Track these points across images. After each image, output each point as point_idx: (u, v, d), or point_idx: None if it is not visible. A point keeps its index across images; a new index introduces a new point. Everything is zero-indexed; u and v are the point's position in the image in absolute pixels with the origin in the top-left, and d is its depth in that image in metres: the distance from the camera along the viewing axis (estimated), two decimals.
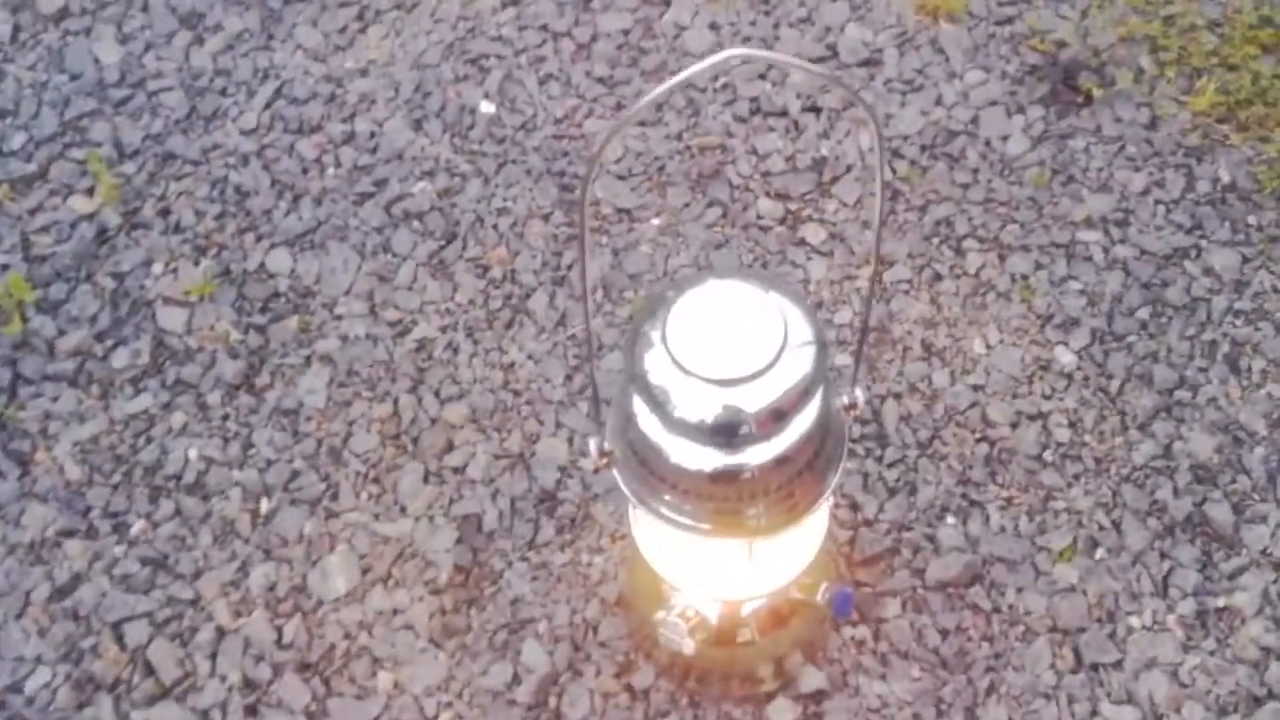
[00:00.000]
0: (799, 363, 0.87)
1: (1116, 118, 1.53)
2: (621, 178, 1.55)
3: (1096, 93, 1.54)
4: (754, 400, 0.86)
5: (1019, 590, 1.24)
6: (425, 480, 1.36)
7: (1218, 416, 1.32)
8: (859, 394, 0.93)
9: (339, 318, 1.48)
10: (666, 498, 0.94)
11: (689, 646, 1.10)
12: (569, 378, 1.42)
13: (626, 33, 1.67)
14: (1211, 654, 1.19)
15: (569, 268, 1.49)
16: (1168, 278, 1.41)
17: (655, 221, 1.51)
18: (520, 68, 1.66)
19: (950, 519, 1.29)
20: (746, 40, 1.64)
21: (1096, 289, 1.41)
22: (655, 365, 0.88)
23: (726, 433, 0.87)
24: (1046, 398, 1.35)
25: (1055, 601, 1.23)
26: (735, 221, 1.50)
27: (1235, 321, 1.38)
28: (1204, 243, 1.43)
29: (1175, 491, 1.28)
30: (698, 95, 1.61)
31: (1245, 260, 1.41)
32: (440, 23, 1.71)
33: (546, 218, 1.53)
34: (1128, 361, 1.36)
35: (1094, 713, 1.18)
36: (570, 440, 1.37)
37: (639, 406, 0.91)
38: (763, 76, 1.60)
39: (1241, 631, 1.20)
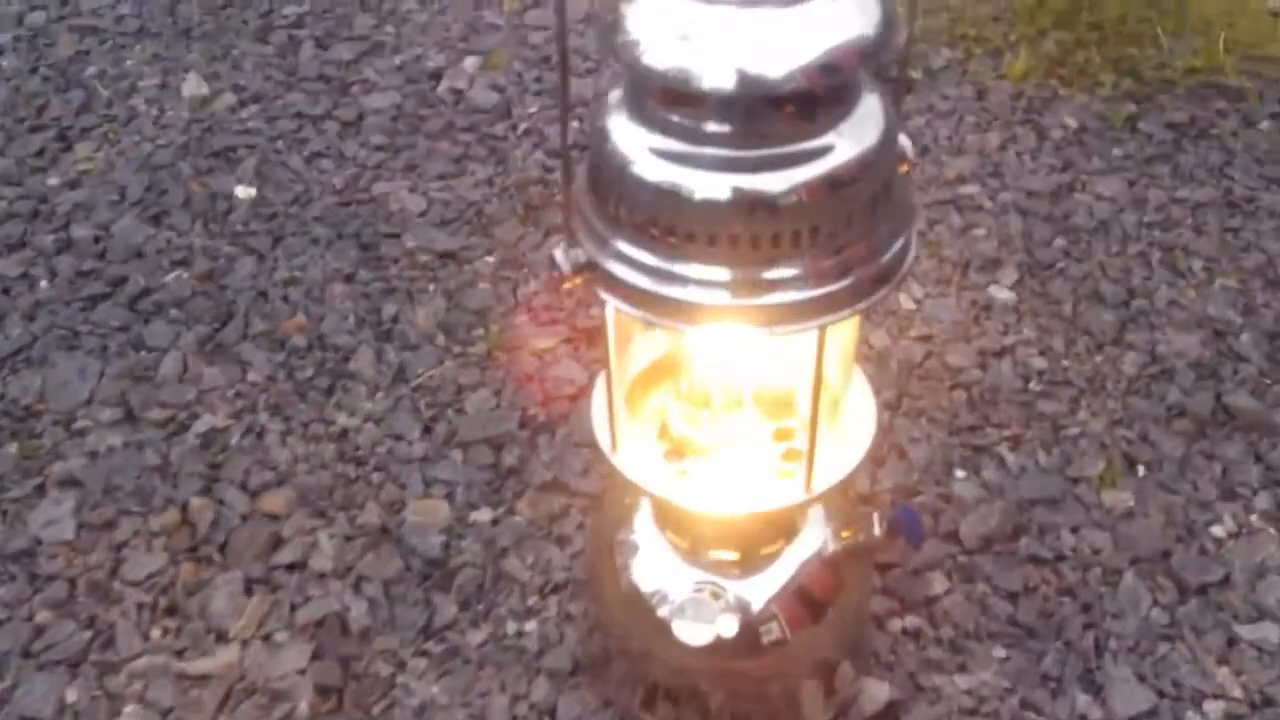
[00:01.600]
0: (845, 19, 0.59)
1: (944, 95, 1.44)
2: (436, 225, 1.27)
3: (916, 77, 1.46)
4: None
5: (1074, 529, 0.97)
6: (247, 591, 0.93)
7: (1186, 316, 1.15)
8: (907, 142, 0.67)
9: (79, 433, 1.05)
10: (669, 275, 0.60)
11: (729, 625, 0.73)
12: (428, 429, 1.06)
13: (398, 106, 1.44)
14: None
15: (393, 320, 1.16)
16: (1067, 209, 1.28)
17: (489, 259, 1.23)
18: (279, 151, 1.38)
19: (960, 472, 1.01)
20: (540, 93, 1.46)
21: (1001, 231, 1.25)
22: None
23: (756, 118, 0.57)
24: (1004, 333, 1.14)
25: (1121, 531, 0.96)
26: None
27: (1153, 233, 1.25)
28: (1085, 176, 1.32)
29: (1185, 391, 1.08)
30: (500, 145, 1.39)
31: (1131, 184, 1.31)
32: (167, 128, 1.41)
33: (350, 278, 1.21)
34: (1069, 286, 1.19)
35: (1231, 641, 0.89)
36: (449, 496, 1.00)
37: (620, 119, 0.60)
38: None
39: None
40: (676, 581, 0.80)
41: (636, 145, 0.59)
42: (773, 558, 0.80)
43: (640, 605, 0.81)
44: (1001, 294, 1.18)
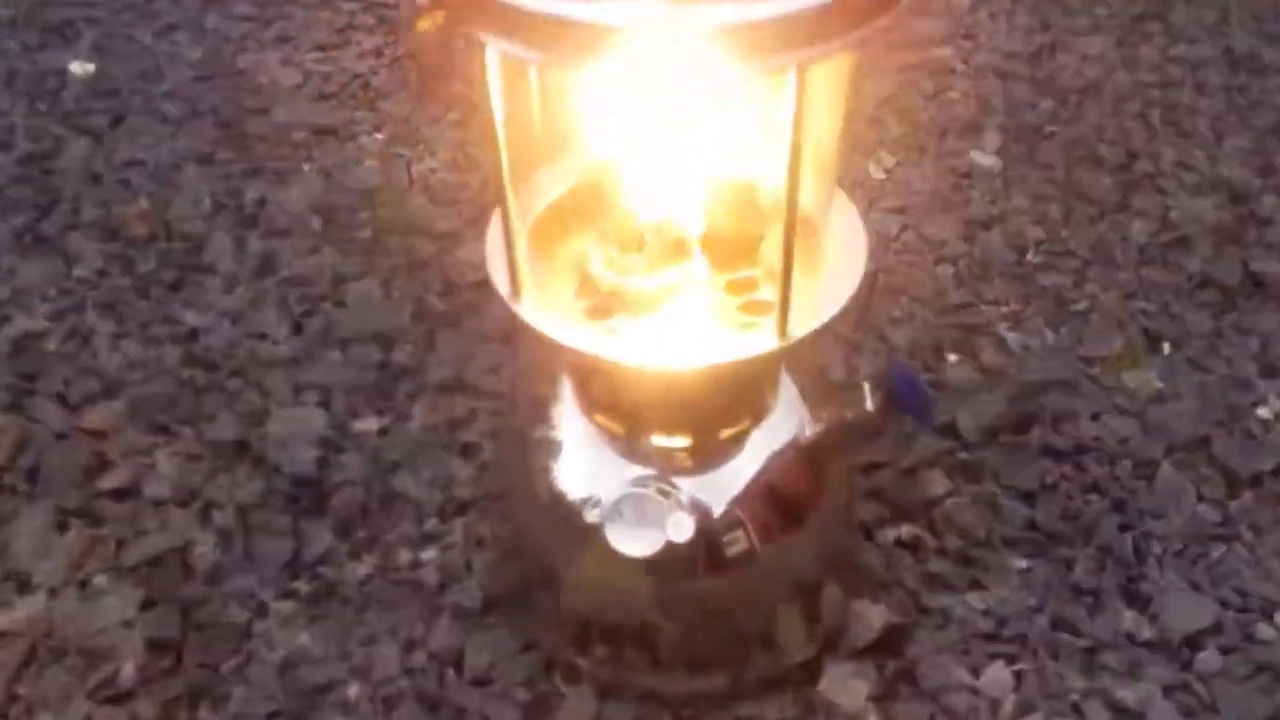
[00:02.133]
0: None
1: None
2: (313, 99, 1.06)
3: None
4: None
5: (1095, 416, 0.80)
6: (60, 526, 0.72)
7: (1197, 179, 0.99)
8: None
9: None
10: None
11: (682, 526, 0.54)
12: (299, 327, 0.85)
13: None
14: None
15: (258, 204, 0.95)
16: (1050, 70, 1.11)
17: (378, 135, 1.02)
18: (125, 25, 1.16)
19: (952, 355, 0.84)
20: None
21: (979, 94, 1.08)
22: None
23: None
24: (991, 202, 0.97)
25: (1151, 416, 0.80)
26: None
27: (1150, 92, 1.09)
28: (1067, 36, 1.15)
29: (1206, 259, 0.91)
30: (391, 14, 1.18)
31: (1120, 43, 1.15)
32: None
33: (207, 158, 1.00)
34: (1060, 150, 1.02)
35: None
36: (325, 403, 0.79)
37: None
38: None
39: None
40: (612, 481, 0.61)
41: None
42: (735, 446, 0.61)
43: (567, 518, 0.62)
44: (985, 160, 1.01)
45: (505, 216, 0.53)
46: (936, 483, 0.75)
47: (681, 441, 0.59)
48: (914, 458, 0.76)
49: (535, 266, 0.59)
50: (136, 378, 0.81)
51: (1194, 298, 0.89)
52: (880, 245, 0.92)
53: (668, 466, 0.59)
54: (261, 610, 0.68)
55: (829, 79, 0.52)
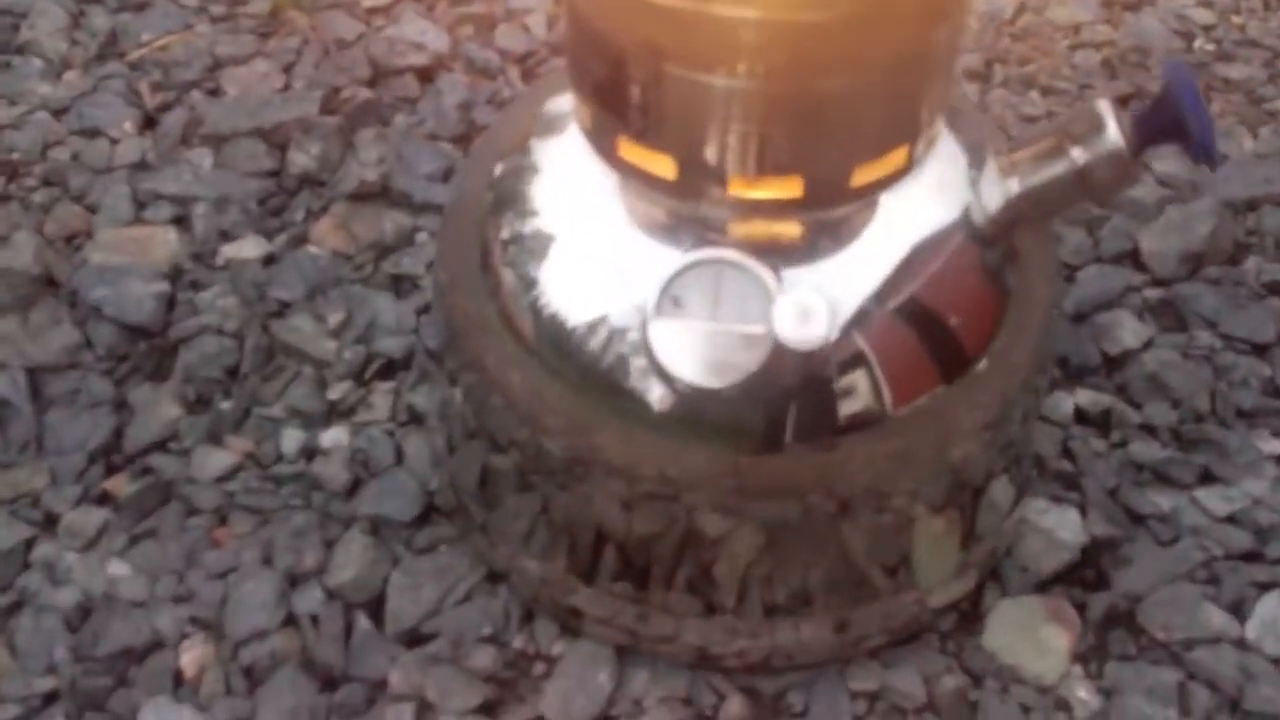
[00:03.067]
0: None
1: None
2: None
3: None
4: None
5: None
6: None
7: None
8: None
9: None
10: None
11: (818, 316, 0.29)
12: (151, 122, 0.57)
13: None
14: None
15: None
16: None
17: None
18: None
19: None
20: None
21: None
22: None
23: None
24: None
25: None
26: None
27: None
28: None
29: None
30: None
31: None
32: None
33: None
34: None
35: None
36: (182, 220, 0.52)
37: None
38: None
39: None
40: (651, 279, 0.34)
41: None
42: (864, 216, 0.35)
43: (569, 356, 0.36)
44: None
45: None
46: (1125, 332, 0.49)
47: (779, 193, 0.33)
48: (1094, 292, 0.50)
49: None
50: None
51: None
52: (991, 27, 0.65)
53: (752, 247, 0.33)
54: (50, 523, 0.42)
55: None
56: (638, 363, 0.34)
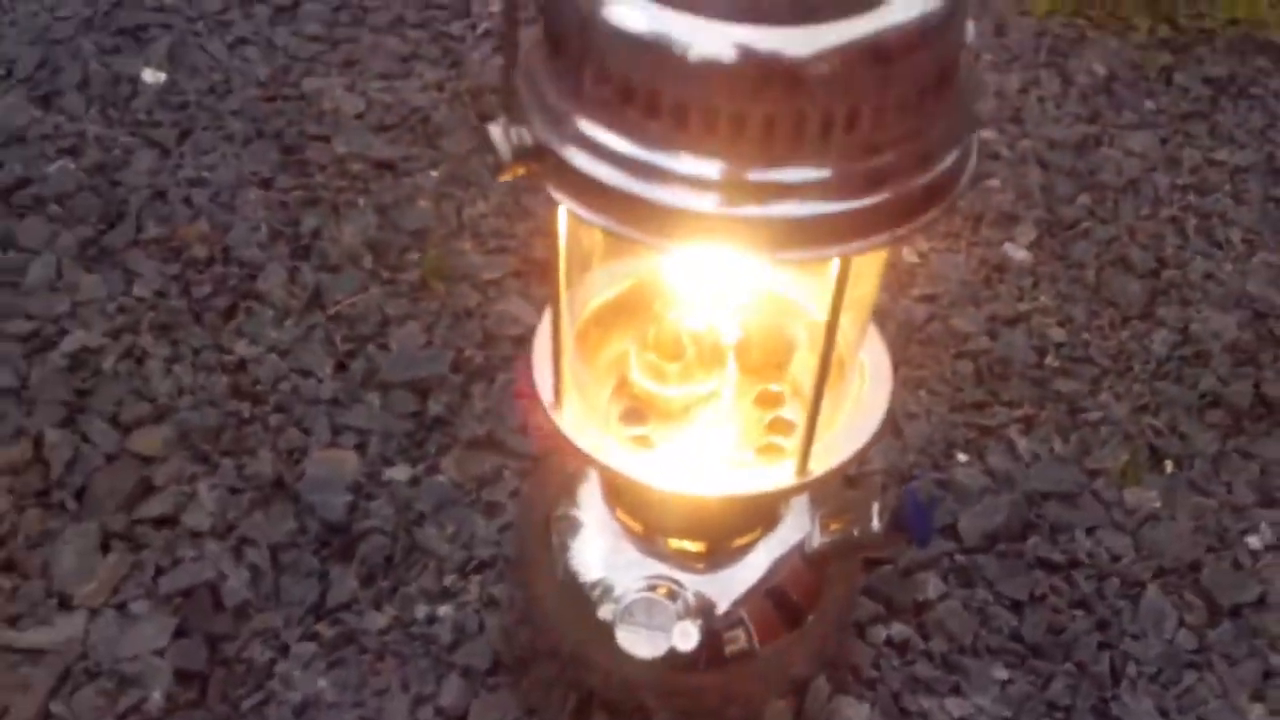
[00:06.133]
0: None
1: None
2: (374, 130, 1.10)
3: None
4: None
5: (1091, 531, 0.83)
6: (104, 548, 0.77)
7: (1223, 292, 1.01)
8: (971, 27, 0.51)
9: None
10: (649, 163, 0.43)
11: (687, 635, 0.59)
12: (342, 366, 0.89)
13: None
14: None
15: (313, 235, 0.99)
16: (1093, 163, 1.13)
17: (433, 174, 1.06)
18: (197, 34, 1.20)
19: (962, 455, 0.87)
20: None
21: (1019, 183, 1.10)
22: None
23: None
24: (1018, 298, 0.99)
25: (1145, 536, 0.83)
26: None
27: (1188, 196, 1.11)
28: (1113, 129, 1.17)
29: (1221, 379, 0.94)
30: (455, 45, 1.21)
31: (1164, 141, 1.17)
32: (67, 3, 1.23)
33: (267, 183, 1.04)
34: (1093, 249, 1.04)
35: (1268, 673, 0.76)
36: (361, 447, 0.84)
37: None
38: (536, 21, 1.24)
39: None
40: (625, 572, 0.65)
41: None
42: (744, 551, 0.66)
43: (578, 597, 0.66)
44: (1018, 254, 1.03)
45: (556, 336, 0.56)
46: (931, 585, 0.78)
47: (694, 546, 0.63)
48: (913, 558, 0.79)
49: (575, 366, 0.62)
50: (186, 404, 0.86)
51: (1203, 417, 0.91)
52: (905, 334, 0.95)
53: (680, 566, 0.63)
54: (284, 651, 0.73)
55: (872, 255, 0.55)
56: (616, 630, 0.64)
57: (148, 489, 0.80)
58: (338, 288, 0.95)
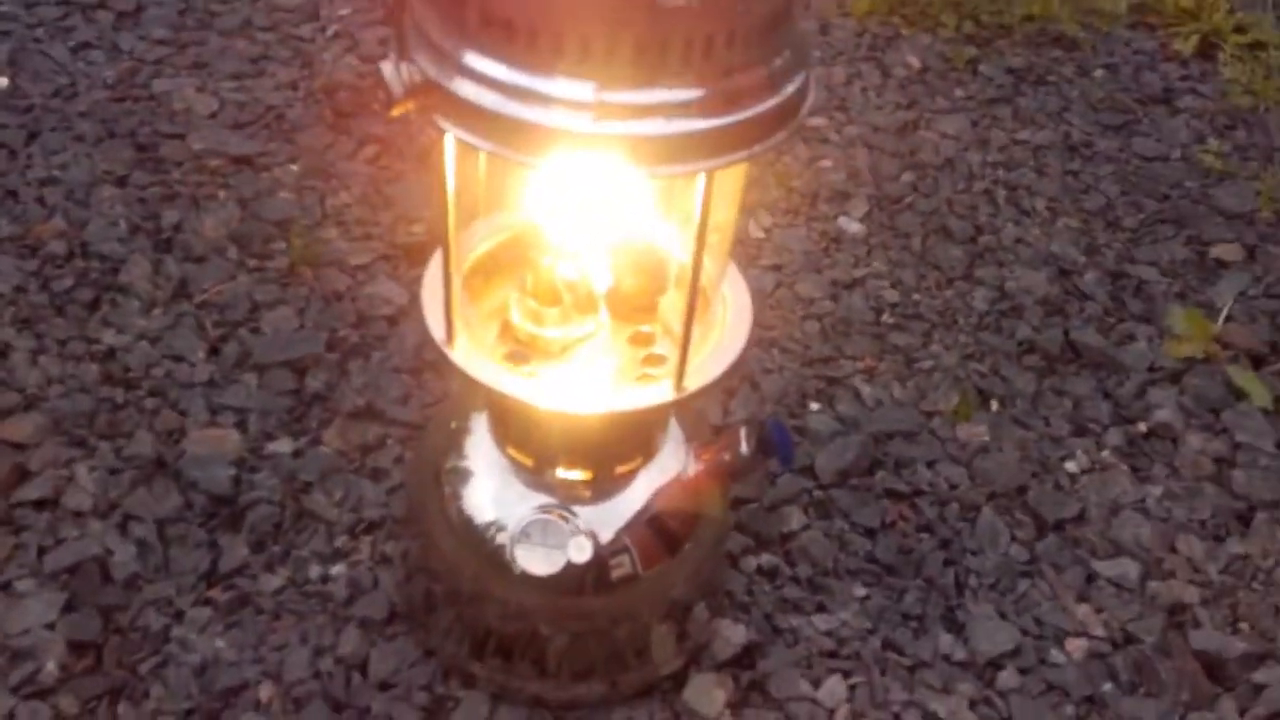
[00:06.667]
0: None
1: None
2: (229, 128, 1.11)
3: None
4: None
5: (931, 464, 0.91)
6: None
7: (1032, 253, 1.12)
8: None
9: None
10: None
11: (582, 549, 0.63)
12: (215, 351, 0.91)
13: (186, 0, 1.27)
14: (1168, 478, 0.93)
15: (174, 228, 1.00)
16: (913, 145, 1.23)
17: (293, 167, 1.08)
18: (38, 40, 1.19)
19: (814, 404, 0.94)
20: None
21: (849, 164, 1.20)
22: None
23: None
24: (854, 265, 1.08)
25: (977, 466, 0.91)
26: (404, 155, 1.11)
27: (997, 172, 1.22)
28: (929, 114, 1.28)
29: (1034, 328, 1.04)
30: (305, 47, 1.23)
31: (974, 124, 1.28)
32: None
33: (122, 181, 1.04)
34: (918, 220, 1.14)
35: (1090, 577, 0.85)
36: (241, 424, 0.85)
37: None
38: (383, 23, 1.27)
39: (1184, 448, 0.95)
40: (517, 509, 0.69)
41: None
42: (627, 480, 0.70)
43: (473, 539, 0.70)
44: (851, 226, 1.12)
45: (447, 273, 0.60)
46: (794, 518, 0.85)
47: (582, 475, 0.68)
48: (775, 495, 0.86)
49: (463, 308, 0.66)
50: (56, 392, 0.86)
51: (1021, 361, 1.01)
52: (757, 300, 1.02)
53: (568, 497, 0.68)
54: (178, 617, 0.74)
55: (730, 177, 0.62)
56: (514, 550, 0.68)
57: (23, 475, 0.80)
58: (204, 277, 0.96)
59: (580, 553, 0.63)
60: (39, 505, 0.78)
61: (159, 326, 0.92)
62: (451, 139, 0.53)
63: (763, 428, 0.70)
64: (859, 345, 1.00)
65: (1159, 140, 1.28)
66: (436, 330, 0.62)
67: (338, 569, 0.78)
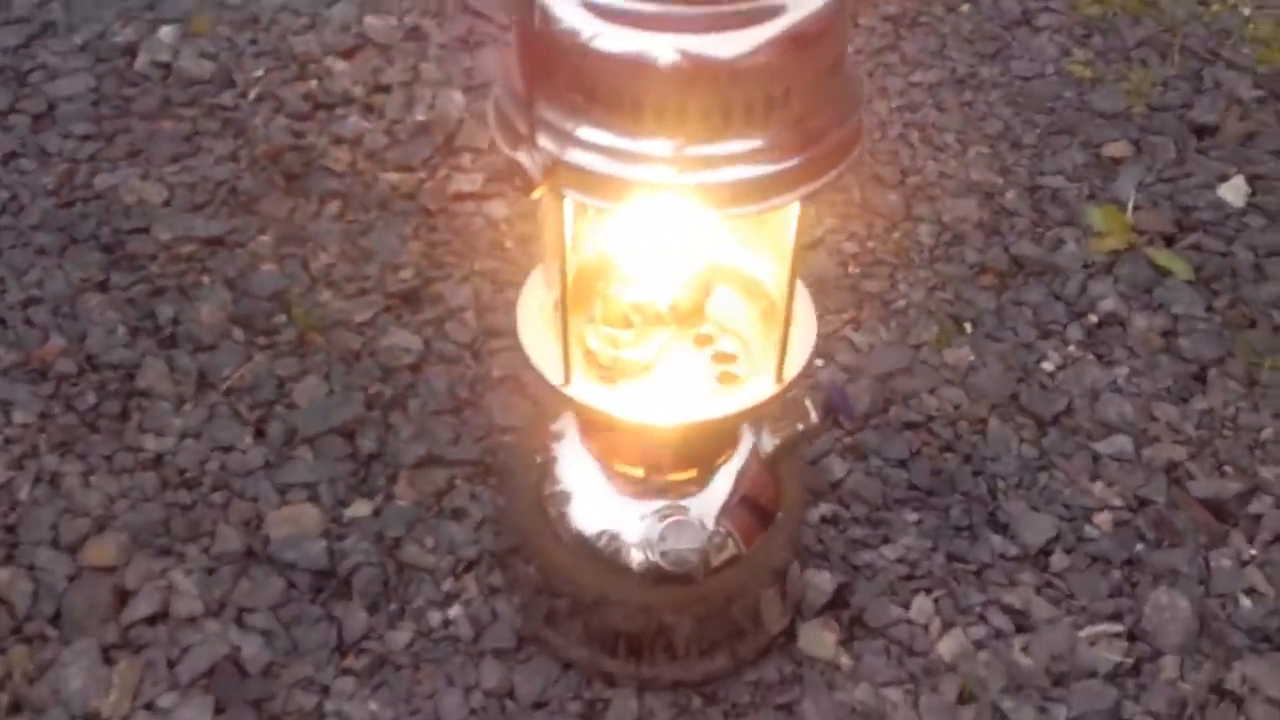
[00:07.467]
0: None
1: None
2: (188, 211, 1.11)
3: None
4: None
5: (932, 391, 1.01)
6: (106, 660, 0.78)
7: (956, 184, 1.23)
8: None
9: None
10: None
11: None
12: (260, 433, 0.93)
13: (95, 89, 1.25)
14: (1129, 359, 1.05)
15: (173, 322, 1.01)
16: None
17: (264, 238, 1.10)
18: None
19: (819, 361, 1.03)
20: (261, 55, 1.31)
21: None
22: None
23: None
24: (811, 227, 1.17)
25: (971, 383, 1.02)
26: (366, 205, 1.14)
27: (904, 115, 1.32)
28: None
29: (979, 251, 1.15)
30: (233, 116, 1.23)
31: (870, 74, 1.38)
32: None
33: (103, 285, 1.04)
34: (849, 172, 1.23)
35: (1095, 458, 0.97)
36: (313, 498, 0.88)
37: None
38: (301, 78, 1.28)
39: (1132, 329, 1.08)
40: (625, 516, 0.76)
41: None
42: (717, 470, 0.78)
43: (588, 551, 0.76)
44: None
45: (564, 324, 0.65)
46: (836, 466, 0.94)
47: (689, 475, 0.75)
48: (814, 451, 0.94)
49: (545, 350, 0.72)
50: (122, 508, 0.87)
51: (978, 283, 1.12)
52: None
53: (677, 497, 0.75)
54: (325, 691, 0.78)
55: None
56: (626, 554, 0.75)
57: (124, 596, 0.82)
58: (220, 364, 0.98)
59: (712, 546, 0.71)
60: (151, 621, 0.80)
61: (196, 422, 0.93)
62: (570, 203, 0.59)
63: (826, 396, 0.78)
64: (838, 299, 1.09)
65: (1031, 60, 1.40)
66: (553, 375, 0.68)
67: (455, 611, 0.82)
